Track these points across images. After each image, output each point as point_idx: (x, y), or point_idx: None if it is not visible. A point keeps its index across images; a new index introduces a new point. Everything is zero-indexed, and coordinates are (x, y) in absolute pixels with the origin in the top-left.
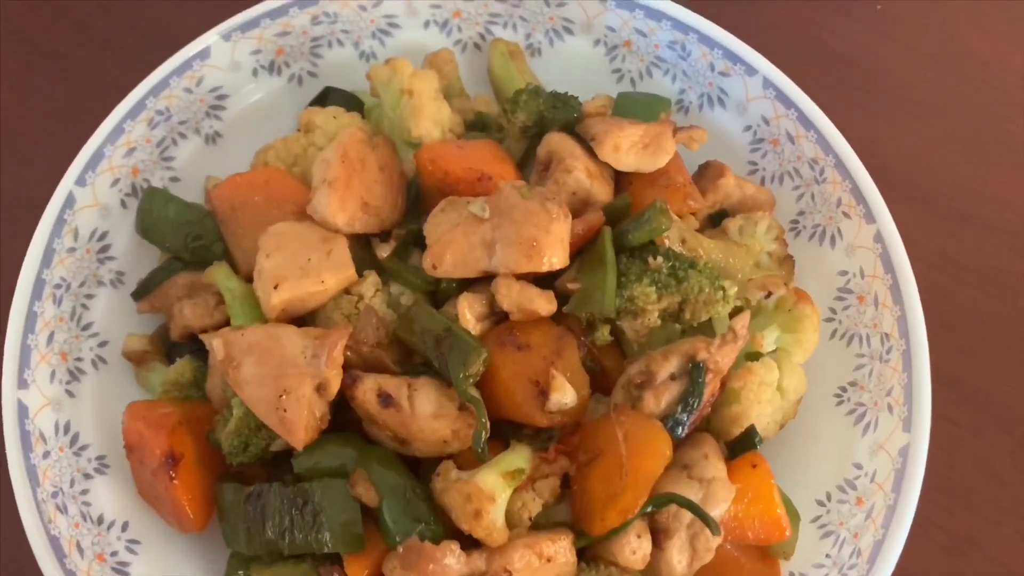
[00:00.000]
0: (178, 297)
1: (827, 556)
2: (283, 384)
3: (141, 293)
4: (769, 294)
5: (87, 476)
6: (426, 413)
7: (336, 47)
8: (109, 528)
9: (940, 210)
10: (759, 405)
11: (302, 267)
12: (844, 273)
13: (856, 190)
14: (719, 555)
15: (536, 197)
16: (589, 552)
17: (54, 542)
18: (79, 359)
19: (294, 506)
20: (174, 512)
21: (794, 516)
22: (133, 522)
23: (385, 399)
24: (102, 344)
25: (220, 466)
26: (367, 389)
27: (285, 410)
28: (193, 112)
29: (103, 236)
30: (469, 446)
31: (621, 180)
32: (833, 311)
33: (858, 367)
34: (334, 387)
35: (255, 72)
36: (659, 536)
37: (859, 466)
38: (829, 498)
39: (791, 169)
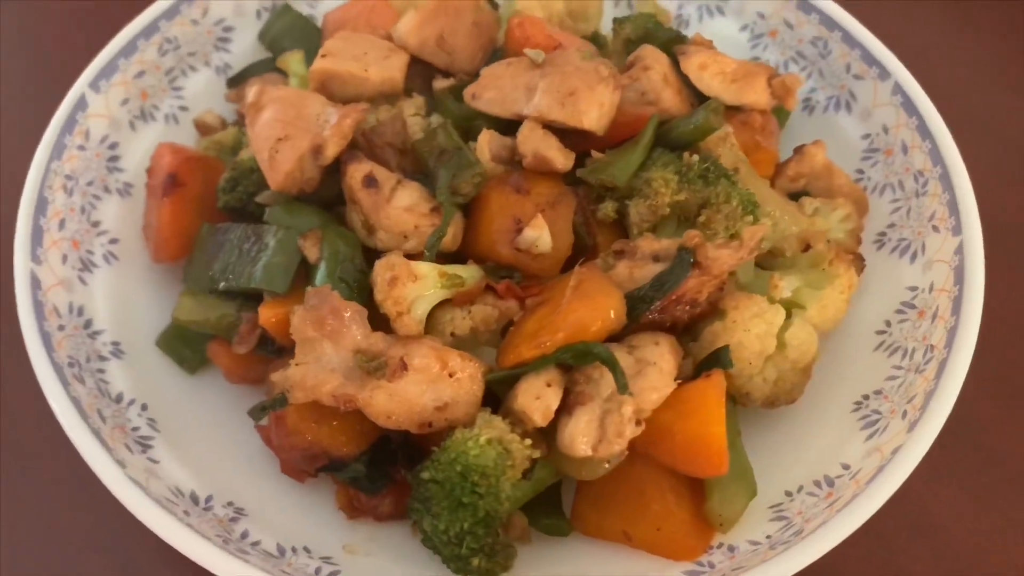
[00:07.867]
0: None
1: (767, 536)
2: (287, 131)
3: (237, 80)
4: (807, 248)
5: (102, 358)
6: (400, 204)
7: None
8: (128, 406)
9: None
10: (745, 335)
11: (355, 55)
12: (913, 288)
13: (952, 202)
14: (644, 473)
15: (594, 60)
16: (502, 409)
17: (76, 403)
18: (90, 251)
19: (246, 241)
20: (155, 237)
21: (748, 489)
22: (152, 405)
23: (370, 180)
24: (112, 241)
25: (214, 217)
26: (359, 169)
27: (277, 152)
28: (200, 44)
29: (113, 146)
30: (422, 251)
31: None
32: (888, 324)
33: (890, 377)
34: (329, 153)
35: (258, 14)
36: (570, 400)
37: (846, 466)
38: (800, 490)
39: (895, 181)
